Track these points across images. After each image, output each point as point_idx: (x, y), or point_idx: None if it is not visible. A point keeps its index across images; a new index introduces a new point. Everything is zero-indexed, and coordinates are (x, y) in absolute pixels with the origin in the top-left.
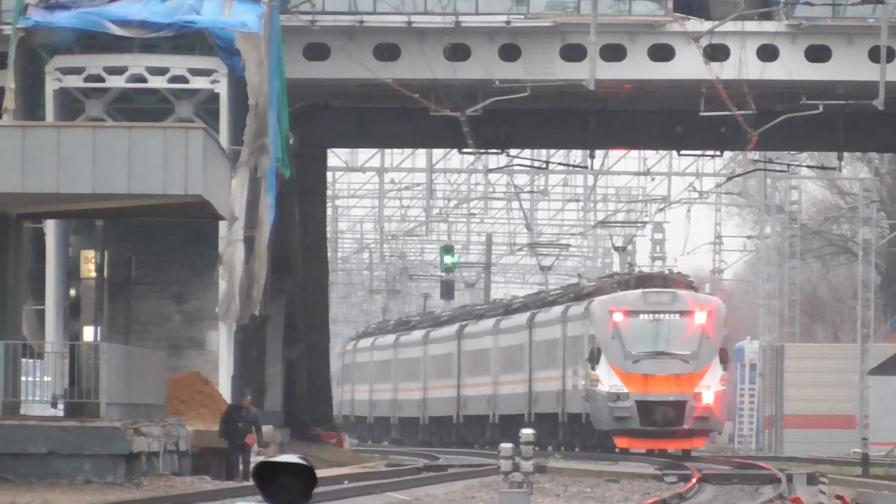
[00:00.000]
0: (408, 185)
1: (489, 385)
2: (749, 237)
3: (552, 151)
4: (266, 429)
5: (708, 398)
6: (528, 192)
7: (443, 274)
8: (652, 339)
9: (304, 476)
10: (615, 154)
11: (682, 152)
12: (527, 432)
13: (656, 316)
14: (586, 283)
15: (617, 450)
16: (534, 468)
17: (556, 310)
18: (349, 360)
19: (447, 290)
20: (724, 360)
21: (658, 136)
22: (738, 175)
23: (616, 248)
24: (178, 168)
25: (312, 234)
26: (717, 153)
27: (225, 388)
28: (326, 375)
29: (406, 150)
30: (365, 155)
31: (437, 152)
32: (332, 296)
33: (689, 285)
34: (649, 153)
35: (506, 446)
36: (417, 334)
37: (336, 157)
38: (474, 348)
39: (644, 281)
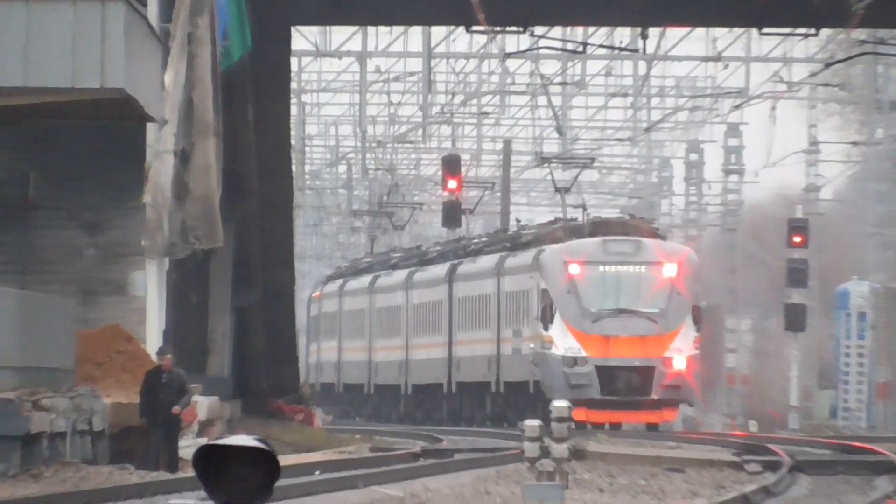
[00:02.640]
0: (398, 74)
1: (402, 349)
2: (854, 143)
3: (591, 30)
4: (209, 400)
5: (679, 363)
6: (559, 83)
7: (445, 194)
8: (614, 294)
9: (263, 464)
10: (675, 34)
11: (765, 31)
12: (560, 405)
13: (618, 268)
14: (524, 229)
15: (573, 424)
16: (569, 453)
17: (487, 260)
18: (322, 308)
19: (451, 216)
20: (697, 320)
21: (732, 10)
22: (839, 61)
23: (558, 190)
24: (93, 53)
25: (271, 141)
26: (812, 32)
27: (154, 347)
28: (291, 329)
29: (396, 28)
30: (341, 35)
31: (438, 31)
32: (299, 223)
33: (655, 232)
34: (720, 32)
35: (531, 424)
36: (398, 275)
37: (303, 37)
38: (386, 304)
39: (601, 227)
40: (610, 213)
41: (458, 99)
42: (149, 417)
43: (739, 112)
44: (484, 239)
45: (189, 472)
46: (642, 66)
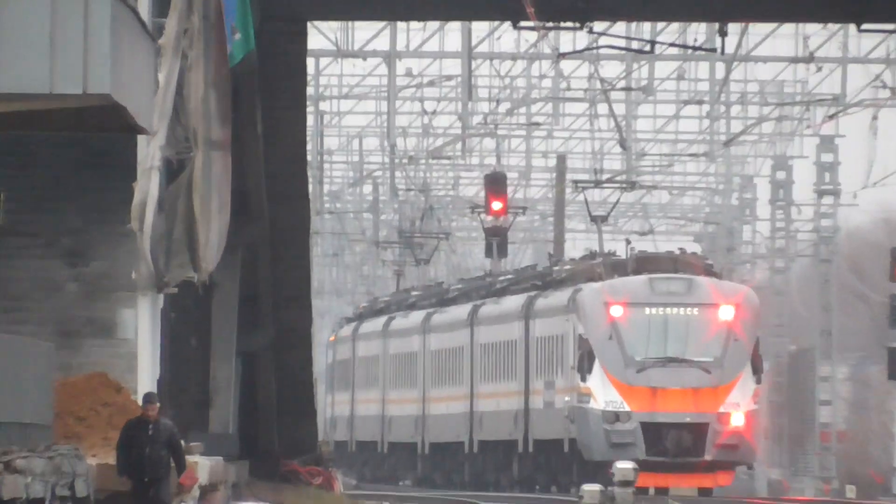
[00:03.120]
0: (433, 78)
1: (417, 402)
2: None
3: (660, 26)
4: (212, 461)
5: (737, 420)
6: (622, 89)
7: (488, 218)
8: (662, 340)
9: None
10: (759, 31)
11: (864, 27)
12: (624, 467)
13: (667, 310)
14: (556, 265)
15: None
16: None
17: (513, 301)
18: (337, 354)
19: (496, 244)
20: (757, 370)
21: (827, 2)
22: None
23: (594, 219)
24: (74, 53)
25: (284, 156)
26: None
27: None
28: (307, 378)
29: (430, 24)
30: (366, 32)
31: (479, 28)
32: (316, 253)
33: (709, 269)
34: (812, 28)
35: (591, 489)
36: (415, 317)
37: (321, 35)
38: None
39: (647, 263)
40: (682, 241)
41: (504, 107)
42: (131, 476)
43: (835, 123)
44: (510, 276)
45: None
46: (720, 68)
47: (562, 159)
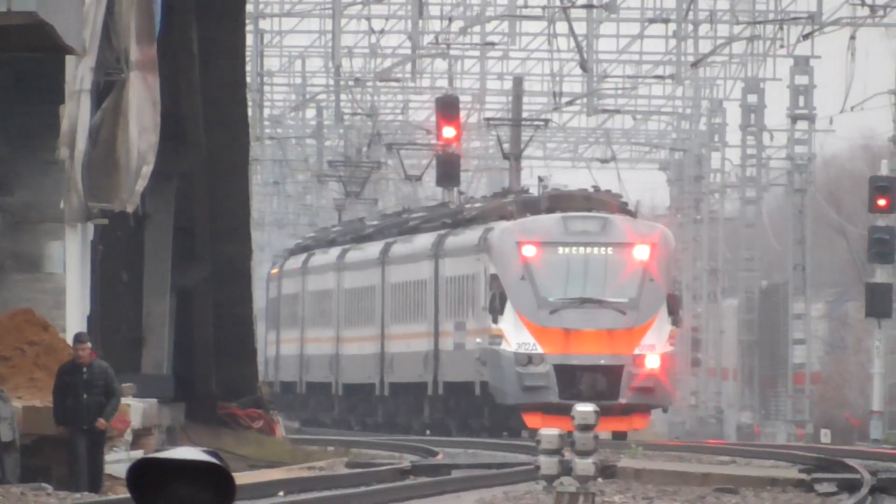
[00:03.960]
0: None
1: (332, 342)
2: None
3: None
4: (145, 404)
5: (652, 362)
6: (583, 6)
7: (438, 143)
8: (576, 281)
9: (213, 484)
10: None
11: None
12: (584, 410)
13: (581, 249)
14: (467, 202)
15: (525, 433)
16: (596, 470)
17: (423, 240)
18: (273, 290)
19: (447, 173)
20: (673, 311)
21: None
22: None
23: (507, 157)
24: None
25: (222, 78)
26: None
27: None
28: (246, 315)
29: None
30: None
31: None
32: (257, 181)
33: (624, 207)
34: None
35: (548, 434)
36: (332, 254)
37: None
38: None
39: (560, 201)
40: (646, 169)
41: (457, 26)
42: (69, 425)
43: (810, 43)
44: (422, 214)
45: (120, 493)
46: None
47: (518, 82)
